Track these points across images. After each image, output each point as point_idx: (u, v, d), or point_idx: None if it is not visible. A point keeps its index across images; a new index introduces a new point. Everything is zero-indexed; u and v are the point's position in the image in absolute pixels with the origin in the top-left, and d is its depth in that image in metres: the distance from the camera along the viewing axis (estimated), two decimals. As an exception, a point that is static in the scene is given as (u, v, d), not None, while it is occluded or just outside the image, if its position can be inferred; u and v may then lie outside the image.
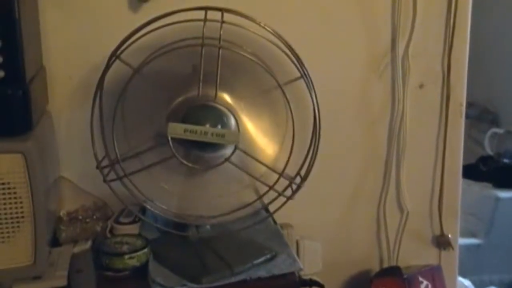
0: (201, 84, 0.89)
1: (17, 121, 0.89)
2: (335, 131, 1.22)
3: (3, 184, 0.88)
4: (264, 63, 0.95)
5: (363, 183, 1.28)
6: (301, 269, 0.97)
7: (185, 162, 0.91)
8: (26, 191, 0.89)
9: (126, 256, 0.97)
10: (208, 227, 1.02)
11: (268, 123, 1.01)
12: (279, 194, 0.98)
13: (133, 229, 1.10)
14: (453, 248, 1.34)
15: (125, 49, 0.93)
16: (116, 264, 0.96)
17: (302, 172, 1.01)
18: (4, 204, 0.89)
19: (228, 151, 0.93)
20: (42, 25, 1.06)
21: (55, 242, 1.07)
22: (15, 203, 0.89)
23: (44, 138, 1.00)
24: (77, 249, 1.05)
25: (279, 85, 0.93)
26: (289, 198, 0.98)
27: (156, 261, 0.99)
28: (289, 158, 0.99)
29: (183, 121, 0.89)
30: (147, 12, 1.07)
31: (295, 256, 1.00)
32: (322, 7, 1.17)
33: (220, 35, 0.91)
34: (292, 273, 0.95)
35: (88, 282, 0.93)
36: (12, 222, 0.90)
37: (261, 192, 1.00)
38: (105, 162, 0.97)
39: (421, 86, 1.24)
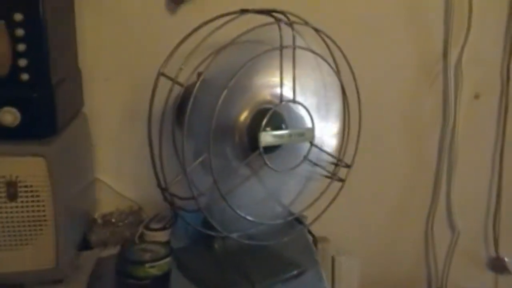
0: (282, 89, 0.87)
1: (42, 124, 0.88)
2: (382, 143, 1.16)
3: (26, 187, 0.88)
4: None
5: (410, 198, 1.20)
6: (326, 289, 0.91)
7: (272, 167, 0.87)
8: (49, 194, 0.89)
9: (147, 265, 0.94)
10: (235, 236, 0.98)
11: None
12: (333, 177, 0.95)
13: (163, 236, 1.08)
14: (510, 273, 1.23)
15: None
16: (137, 272, 0.94)
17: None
18: (27, 207, 0.89)
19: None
20: (78, 28, 1.07)
21: (87, 244, 1.08)
22: (38, 206, 0.89)
23: (73, 140, 0.99)
24: (105, 253, 1.04)
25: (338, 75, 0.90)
26: (343, 180, 0.95)
27: (179, 271, 0.96)
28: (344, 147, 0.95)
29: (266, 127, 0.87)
30: (184, 14, 1.06)
31: (322, 275, 0.94)
32: (369, 11, 1.11)
33: (293, 36, 0.86)
34: (316, 293, 0.90)
35: (105, 290, 0.92)
36: (34, 225, 0.90)
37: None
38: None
39: (476, 96, 1.14)
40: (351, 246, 1.17)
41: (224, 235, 0.96)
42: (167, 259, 0.97)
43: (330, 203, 0.94)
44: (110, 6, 1.08)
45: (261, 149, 0.86)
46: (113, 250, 1.05)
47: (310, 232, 1.12)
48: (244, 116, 0.89)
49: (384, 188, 1.19)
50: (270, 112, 0.86)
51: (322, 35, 0.88)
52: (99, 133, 1.14)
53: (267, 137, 0.86)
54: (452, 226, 1.21)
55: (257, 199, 0.97)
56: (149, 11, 1.07)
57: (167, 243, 1.03)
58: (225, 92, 0.82)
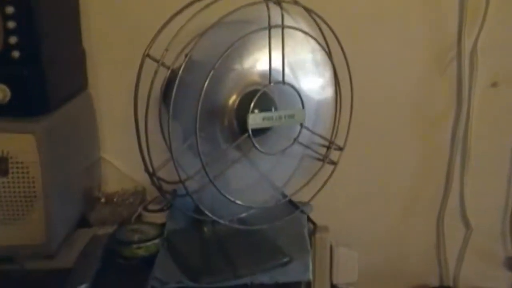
0: (271, 70, 0.83)
1: (32, 102, 0.90)
2: (391, 131, 1.11)
3: (16, 163, 0.90)
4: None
5: (421, 191, 1.15)
6: (309, 281, 0.88)
7: (261, 150, 0.85)
8: (38, 171, 0.90)
9: (134, 246, 0.95)
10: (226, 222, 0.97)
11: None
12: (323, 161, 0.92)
13: (160, 217, 1.08)
14: (528, 273, 1.16)
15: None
16: (124, 252, 0.95)
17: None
18: (18, 182, 0.91)
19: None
20: (83, 7, 1.07)
21: (86, 222, 1.09)
22: (28, 182, 0.91)
23: (71, 119, 1.00)
24: (101, 231, 1.05)
25: (329, 56, 0.86)
26: (336, 163, 0.92)
27: (167, 253, 0.96)
28: (336, 129, 0.92)
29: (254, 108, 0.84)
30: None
31: (309, 265, 0.91)
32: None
33: (282, 15, 0.83)
34: (298, 283, 0.87)
35: (89, 267, 0.92)
36: (26, 201, 0.92)
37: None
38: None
39: (493, 85, 1.07)
40: (354, 237, 1.13)
41: (212, 219, 0.96)
42: (155, 241, 0.98)
43: (322, 186, 0.91)
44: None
45: (250, 132, 0.83)
46: (110, 229, 1.06)
47: (310, 220, 1.09)
48: (232, 98, 0.87)
49: (393, 179, 1.14)
50: (259, 93, 0.83)
51: (313, 15, 0.84)
52: (106, 113, 1.15)
53: (256, 119, 0.84)
54: (465, 221, 1.14)
55: (249, 183, 0.95)
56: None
57: (160, 225, 1.03)
58: (211, 72, 0.80)
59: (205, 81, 0.79)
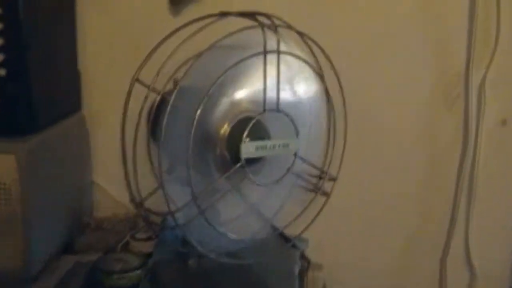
0: (266, 96, 0.80)
1: (19, 121, 0.87)
2: (393, 167, 1.06)
3: (-1, 183, 0.88)
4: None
5: (423, 232, 1.10)
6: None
7: (255, 180, 0.82)
8: (18, 192, 0.87)
9: (116, 276, 0.90)
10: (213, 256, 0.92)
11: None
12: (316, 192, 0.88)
13: (147, 246, 1.04)
14: (537, 326, 1.08)
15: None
16: (106, 282, 0.90)
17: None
18: (-1, 203, 0.88)
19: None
20: (81, 29, 1.06)
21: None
22: (9, 204, 0.87)
23: (60, 141, 0.98)
24: (86, 259, 1.01)
25: (323, 81, 0.83)
26: (329, 194, 0.88)
27: (151, 285, 0.91)
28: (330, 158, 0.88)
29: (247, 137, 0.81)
30: (186, 15, 1.03)
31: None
32: (379, 20, 1.02)
33: (278, 40, 0.79)
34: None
35: (65, 297, 0.89)
36: (6, 222, 0.89)
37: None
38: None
39: (503, 122, 1.02)
40: (350, 276, 1.07)
41: (198, 252, 0.91)
42: (137, 272, 0.93)
43: (313, 219, 0.87)
44: (114, 9, 1.06)
45: (243, 161, 0.80)
46: (94, 257, 1.02)
47: (304, 257, 1.04)
48: (224, 126, 0.84)
49: (394, 216, 1.08)
50: (253, 121, 0.80)
51: (306, 39, 0.81)
52: (101, 137, 1.12)
53: (249, 148, 0.80)
54: (469, 267, 1.08)
55: (237, 214, 0.91)
56: (152, 13, 1.05)
57: (146, 255, 0.99)
58: (205, 99, 0.77)
59: (198, 109, 0.76)
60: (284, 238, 0.97)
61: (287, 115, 0.82)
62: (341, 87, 0.84)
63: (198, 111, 0.75)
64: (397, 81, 1.03)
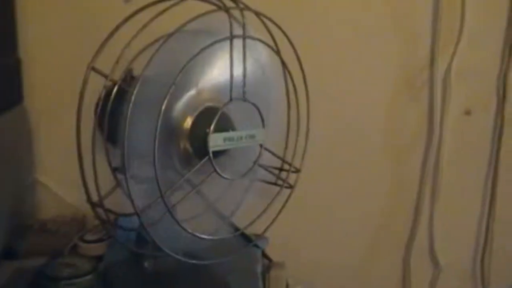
0: (232, 85, 0.74)
1: None
2: (358, 160, 1.03)
3: None
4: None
5: (387, 225, 1.06)
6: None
7: (223, 175, 0.75)
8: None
9: (63, 282, 0.82)
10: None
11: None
12: (281, 185, 0.83)
13: (98, 249, 0.96)
14: (502, 319, 1.08)
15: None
16: (52, 290, 0.83)
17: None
18: None
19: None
20: (21, 12, 0.96)
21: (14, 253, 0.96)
22: None
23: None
24: (29, 264, 0.92)
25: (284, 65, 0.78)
26: (292, 187, 0.83)
27: (101, 291, 0.85)
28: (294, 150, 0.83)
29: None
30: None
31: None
32: (347, 10, 0.98)
33: (243, 23, 0.73)
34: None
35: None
36: None
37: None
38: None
39: (467, 112, 1.00)
40: (313, 274, 1.03)
41: (154, 253, 0.85)
42: (88, 277, 0.85)
43: (278, 214, 0.82)
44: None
45: (211, 154, 0.73)
46: (39, 262, 0.94)
47: (265, 256, 0.99)
48: (187, 118, 0.77)
49: (358, 211, 1.05)
50: (220, 111, 0.73)
51: (267, 23, 0.75)
52: (45, 131, 1.03)
53: (217, 140, 0.74)
54: (434, 260, 1.06)
55: (195, 213, 0.84)
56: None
57: (96, 258, 0.92)
58: (172, 89, 0.69)
59: (164, 100, 0.68)
60: (245, 237, 0.93)
61: (253, 104, 0.76)
62: (303, 74, 0.79)
63: (165, 102, 0.69)
64: (361, 70, 0.99)
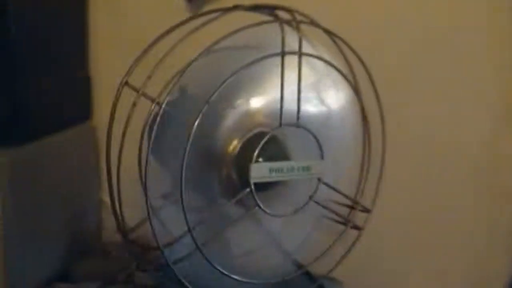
0: (282, 107, 0.67)
1: (6, 127, 0.78)
2: (445, 201, 0.90)
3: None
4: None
5: (482, 280, 0.91)
6: None
7: (266, 210, 0.68)
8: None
9: (110, 314, 0.78)
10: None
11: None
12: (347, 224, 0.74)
13: (155, 278, 0.91)
14: None
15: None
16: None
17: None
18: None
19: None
20: (92, 32, 0.96)
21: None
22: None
23: (56, 153, 0.87)
24: (81, 289, 0.89)
25: (357, 94, 0.70)
26: (361, 229, 0.75)
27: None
28: (360, 185, 0.75)
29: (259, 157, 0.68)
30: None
31: None
32: (433, 17, 0.86)
33: (300, 39, 0.67)
34: None
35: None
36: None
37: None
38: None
39: None
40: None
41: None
42: (136, 310, 0.80)
43: (344, 255, 0.74)
44: (127, 11, 0.96)
45: (252, 186, 0.66)
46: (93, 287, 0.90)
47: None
48: (233, 142, 0.70)
49: (447, 265, 0.92)
50: (266, 137, 0.66)
51: (335, 39, 0.67)
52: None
53: (261, 170, 0.67)
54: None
55: (253, 248, 0.76)
56: (169, 14, 0.93)
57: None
58: (205, 107, 0.63)
59: (196, 119, 0.63)
60: (309, 278, 0.83)
61: (309, 131, 0.68)
62: (378, 99, 0.69)
63: (196, 122, 0.62)
64: (454, 103, 0.86)
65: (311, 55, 0.67)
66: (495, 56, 0.85)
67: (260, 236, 0.75)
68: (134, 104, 0.66)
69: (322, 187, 0.71)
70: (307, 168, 0.69)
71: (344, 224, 0.74)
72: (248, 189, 0.66)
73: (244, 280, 0.70)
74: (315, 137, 0.68)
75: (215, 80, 0.65)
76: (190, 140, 0.61)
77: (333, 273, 0.86)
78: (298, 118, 0.67)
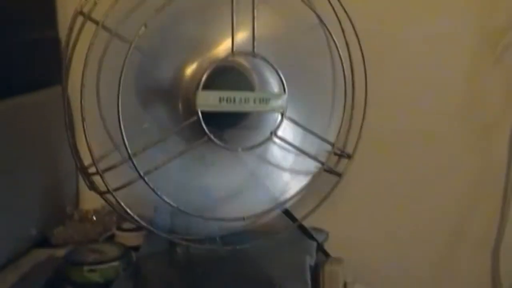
0: (234, 35, 0.63)
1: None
2: (432, 142, 0.89)
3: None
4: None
5: (469, 219, 0.90)
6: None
7: (220, 143, 0.64)
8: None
9: (86, 268, 0.75)
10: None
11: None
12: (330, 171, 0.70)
13: (135, 238, 0.88)
14: None
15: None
16: (72, 275, 0.75)
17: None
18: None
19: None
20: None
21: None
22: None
23: (27, 114, 0.85)
24: (61, 253, 0.86)
25: (322, 22, 0.66)
26: (340, 175, 0.71)
27: (129, 281, 0.75)
28: (340, 129, 0.70)
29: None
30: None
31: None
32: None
33: None
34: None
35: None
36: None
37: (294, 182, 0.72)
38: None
39: None
40: (379, 275, 0.89)
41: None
42: (114, 264, 0.77)
43: (324, 198, 0.70)
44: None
45: (199, 113, 0.61)
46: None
47: (323, 251, 0.86)
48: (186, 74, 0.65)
49: (433, 203, 0.90)
50: (214, 64, 0.62)
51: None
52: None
53: (209, 98, 0.62)
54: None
55: (237, 188, 0.73)
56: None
57: (129, 247, 0.83)
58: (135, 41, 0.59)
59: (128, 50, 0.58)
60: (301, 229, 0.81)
61: (267, 61, 0.64)
62: (358, 38, 0.67)
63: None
64: (433, 38, 0.85)
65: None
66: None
67: (238, 178, 0.72)
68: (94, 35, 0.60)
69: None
70: (265, 100, 0.65)
71: (327, 170, 0.70)
72: (194, 118, 0.61)
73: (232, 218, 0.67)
74: (273, 67, 0.64)
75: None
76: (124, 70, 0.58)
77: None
78: (254, 46, 0.63)
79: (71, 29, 0.63)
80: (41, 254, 0.85)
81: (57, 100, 0.92)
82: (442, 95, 0.87)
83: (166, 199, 0.63)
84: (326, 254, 0.87)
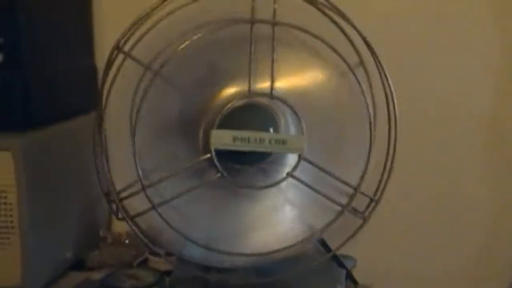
0: (251, 75, 0.65)
1: (16, 114, 0.78)
2: (452, 177, 0.91)
3: (-6, 185, 0.77)
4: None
5: (493, 251, 0.92)
6: None
7: (232, 181, 0.65)
8: (15, 195, 0.76)
9: (123, 294, 0.78)
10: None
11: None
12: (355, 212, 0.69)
13: (168, 263, 0.90)
14: None
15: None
16: (112, 301, 0.78)
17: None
18: (-6, 209, 0.77)
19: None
20: (97, 17, 0.96)
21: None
22: (5, 209, 0.77)
23: (66, 139, 0.87)
24: (97, 276, 0.89)
25: (351, 70, 0.65)
26: (365, 218, 0.69)
27: (164, 307, 0.78)
28: (364, 172, 0.67)
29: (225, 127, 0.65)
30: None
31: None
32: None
33: (274, 9, 0.65)
34: None
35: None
36: (2, 232, 0.78)
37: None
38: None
39: None
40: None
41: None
42: (150, 289, 0.80)
43: (347, 239, 0.69)
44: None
45: (213, 152, 0.63)
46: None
47: (351, 278, 0.88)
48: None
49: (457, 233, 0.92)
50: (229, 104, 0.63)
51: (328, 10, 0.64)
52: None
53: (222, 136, 0.63)
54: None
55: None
56: None
57: (164, 272, 0.86)
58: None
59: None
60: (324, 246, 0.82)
61: (285, 102, 0.64)
62: (385, 75, 0.66)
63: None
64: (455, 62, 0.87)
65: (285, 24, 0.64)
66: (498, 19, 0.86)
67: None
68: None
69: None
70: (283, 141, 0.64)
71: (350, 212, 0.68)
72: (207, 155, 0.63)
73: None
74: (292, 108, 0.64)
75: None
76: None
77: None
78: (272, 88, 0.64)
79: (109, 63, 0.66)
80: (78, 277, 0.88)
81: (91, 127, 0.96)
82: (465, 123, 0.88)
83: (177, 229, 0.67)
84: (355, 282, 0.89)
